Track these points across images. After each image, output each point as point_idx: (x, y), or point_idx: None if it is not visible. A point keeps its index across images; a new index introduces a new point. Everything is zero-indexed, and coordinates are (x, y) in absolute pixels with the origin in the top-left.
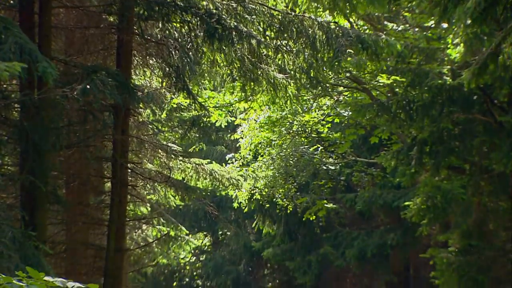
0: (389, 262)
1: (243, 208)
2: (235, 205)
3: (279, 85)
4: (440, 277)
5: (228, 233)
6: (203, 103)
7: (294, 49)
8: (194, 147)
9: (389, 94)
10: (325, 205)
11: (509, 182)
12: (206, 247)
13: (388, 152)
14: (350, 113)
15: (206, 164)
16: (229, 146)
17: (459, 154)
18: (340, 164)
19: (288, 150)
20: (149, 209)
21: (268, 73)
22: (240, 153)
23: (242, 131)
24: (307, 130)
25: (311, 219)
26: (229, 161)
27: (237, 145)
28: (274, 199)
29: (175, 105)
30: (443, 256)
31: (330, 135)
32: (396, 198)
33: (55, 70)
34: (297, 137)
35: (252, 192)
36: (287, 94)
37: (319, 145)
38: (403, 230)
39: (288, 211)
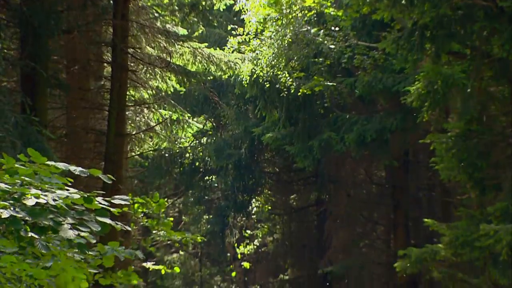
0: (388, 147)
1: (245, 87)
2: (237, 90)
3: None
4: (440, 162)
5: (229, 117)
6: None
7: None
8: (192, 31)
9: None
10: (322, 82)
11: (509, 67)
12: (208, 131)
13: (389, 37)
14: None
15: (203, 47)
16: (229, 32)
17: (459, 39)
18: (341, 47)
19: (290, 28)
20: (150, 94)
21: None
22: (244, 30)
23: (244, 6)
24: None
25: (307, 93)
26: (232, 34)
27: (241, 19)
28: (276, 79)
29: None
30: (443, 141)
31: (332, 13)
32: (396, 83)
33: None
34: (299, 15)
35: (254, 71)
36: None
37: (321, 27)
38: (403, 115)
39: (292, 91)
